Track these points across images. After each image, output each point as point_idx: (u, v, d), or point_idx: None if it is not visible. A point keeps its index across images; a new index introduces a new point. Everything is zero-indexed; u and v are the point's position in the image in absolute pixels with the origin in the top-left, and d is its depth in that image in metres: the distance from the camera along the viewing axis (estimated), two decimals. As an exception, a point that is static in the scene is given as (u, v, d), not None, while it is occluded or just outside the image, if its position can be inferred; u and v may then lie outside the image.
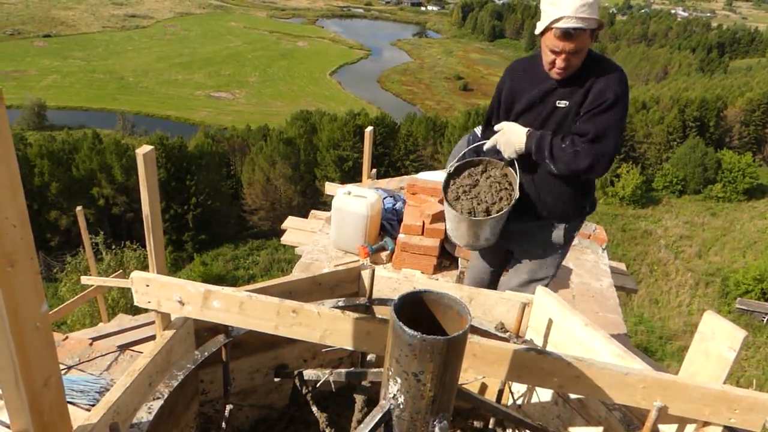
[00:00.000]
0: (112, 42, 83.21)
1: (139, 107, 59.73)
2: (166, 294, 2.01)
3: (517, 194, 2.59)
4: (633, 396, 1.81)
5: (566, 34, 2.28)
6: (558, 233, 2.73)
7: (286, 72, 76.70)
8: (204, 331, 2.28)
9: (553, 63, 2.40)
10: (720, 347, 1.80)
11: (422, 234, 4.19)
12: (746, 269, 30.50)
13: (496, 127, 2.66)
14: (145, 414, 1.87)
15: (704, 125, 48.21)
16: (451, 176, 2.74)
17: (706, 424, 1.85)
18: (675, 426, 1.97)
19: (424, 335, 1.39)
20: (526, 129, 2.54)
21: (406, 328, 1.40)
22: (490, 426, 2.59)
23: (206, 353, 2.11)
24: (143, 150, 1.78)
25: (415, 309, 1.58)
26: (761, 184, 43.30)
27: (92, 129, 43.82)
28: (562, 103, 2.49)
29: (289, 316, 1.94)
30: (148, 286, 2.01)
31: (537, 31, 2.40)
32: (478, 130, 5.48)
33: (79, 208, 6.00)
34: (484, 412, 2.62)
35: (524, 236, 2.81)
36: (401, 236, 4.20)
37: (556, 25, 2.28)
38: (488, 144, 2.67)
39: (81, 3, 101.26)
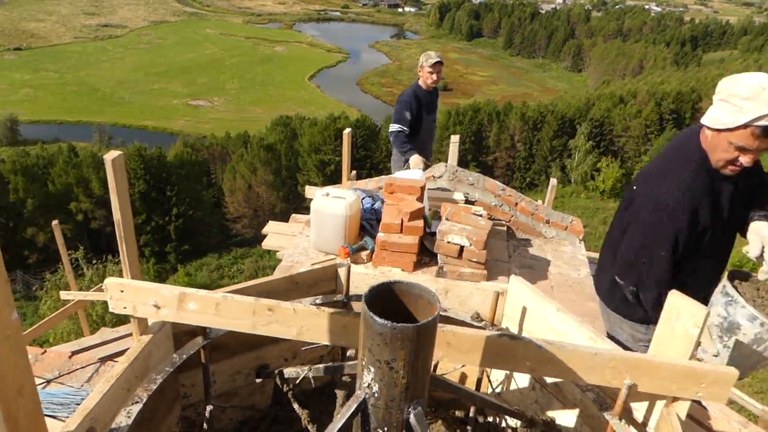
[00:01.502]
0: (85, 53, 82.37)
1: (115, 119, 59.19)
2: (142, 299, 2.02)
3: None
4: (604, 376, 1.85)
5: (766, 133, 2.04)
6: None
7: (265, 78, 76.54)
8: (182, 334, 2.29)
9: (733, 161, 2.16)
10: (685, 325, 1.85)
11: (401, 232, 4.21)
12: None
13: (751, 236, 2.27)
14: (124, 419, 1.87)
15: (680, 117, 48.95)
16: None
17: (674, 399, 1.90)
18: (645, 403, 2.02)
19: (394, 323, 1.42)
20: None
21: (377, 318, 1.43)
22: (471, 414, 2.63)
23: (185, 356, 2.12)
24: (111, 155, 1.79)
25: (388, 301, 1.61)
26: (736, 172, 44.05)
27: (67, 142, 43.37)
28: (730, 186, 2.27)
29: (266, 314, 1.96)
30: (122, 291, 2.01)
31: (721, 125, 2.13)
32: (395, 127, 5.49)
33: (55, 222, 5.92)
34: (464, 401, 2.66)
35: None
36: (380, 235, 4.22)
37: (760, 123, 2.02)
38: (753, 250, 2.25)
39: (52, 14, 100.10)
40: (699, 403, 3.67)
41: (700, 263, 2.36)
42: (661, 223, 2.25)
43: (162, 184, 34.03)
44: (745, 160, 2.12)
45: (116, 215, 1.90)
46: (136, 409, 1.90)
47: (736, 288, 2.19)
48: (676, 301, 1.88)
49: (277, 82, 75.14)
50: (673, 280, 2.30)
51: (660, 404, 1.98)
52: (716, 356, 2.20)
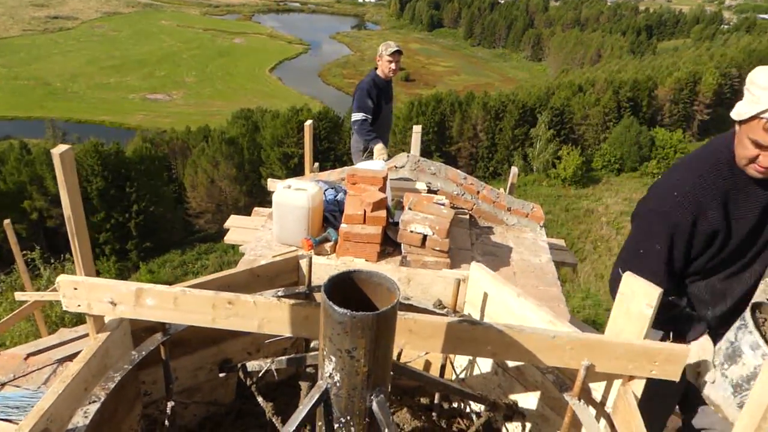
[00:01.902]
0: (35, 46, 79.37)
1: (69, 114, 57.32)
2: (97, 296, 1.97)
3: None
4: (562, 357, 1.90)
5: None
6: None
7: (224, 70, 75.19)
8: (141, 331, 2.25)
9: (754, 159, 1.93)
10: (639, 305, 1.91)
11: (364, 222, 4.21)
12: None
13: None
14: (81, 419, 1.83)
15: (637, 105, 50.20)
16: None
17: (630, 378, 1.96)
18: (603, 383, 2.07)
19: (354, 312, 1.42)
20: None
21: (336, 307, 1.43)
22: (436, 401, 2.66)
23: (143, 352, 2.08)
24: (59, 149, 1.74)
25: (349, 290, 1.60)
26: (692, 158, 45.44)
27: (19, 139, 41.76)
28: None
29: (225, 308, 1.94)
30: (76, 289, 1.96)
31: (738, 116, 1.93)
32: (359, 116, 5.44)
33: (7, 221, 5.71)
34: (428, 387, 2.69)
35: None
36: (343, 226, 4.21)
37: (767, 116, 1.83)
38: None
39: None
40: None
41: (723, 281, 2.12)
42: (663, 213, 2.08)
43: (121, 180, 33.18)
44: (763, 159, 1.90)
45: (66, 211, 1.85)
46: (93, 408, 1.86)
47: (756, 313, 1.96)
48: (630, 283, 1.93)
49: (236, 75, 73.92)
50: (688, 295, 2.13)
51: (617, 383, 2.04)
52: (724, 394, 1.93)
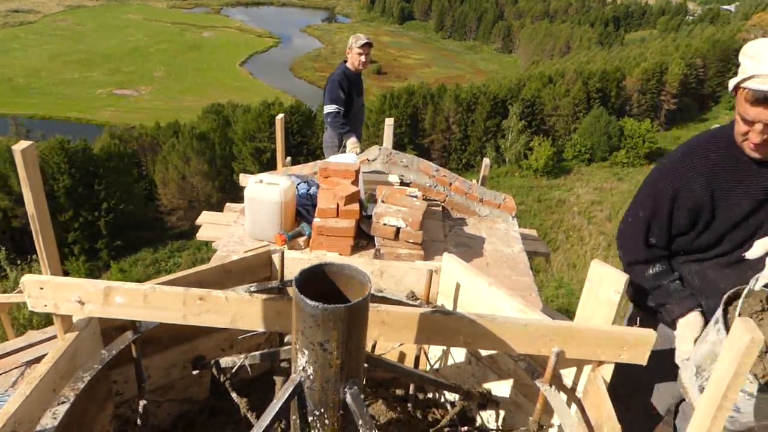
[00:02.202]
0: (-5, 41, 77.08)
1: (33, 110, 55.85)
2: (64, 295, 1.93)
3: None
4: (534, 345, 1.93)
5: (759, 100, 1.70)
6: None
7: (194, 65, 73.99)
8: (111, 329, 2.21)
9: (746, 135, 1.81)
10: (607, 292, 1.94)
11: (337, 216, 4.21)
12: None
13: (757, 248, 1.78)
14: (50, 420, 1.80)
15: (606, 96, 50.97)
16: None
17: (600, 363, 2.00)
18: (574, 369, 2.11)
19: (326, 305, 1.42)
20: None
21: (308, 300, 1.43)
22: (411, 392, 2.68)
23: (114, 351, 2.05)
24: (21, 146, 1.70)
25: (321, 284, 1.60)
26: (660, 147, 46.36)
27: (-19, 137, 40.62)
28: None
29: (196, 304, 1.92)
30: (42, 288, 1.92)
31: (730, 87, 1.82)
32: (332, 108, 5.39)
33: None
34: (403, 379, 2.71)
35: None
36: (317, 220, 4.21)
37: (747, 84, 1.72)
38: (754, 250, 1.79)
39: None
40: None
41: (716, 270, 2.01)
42: (651, 182, 2.04)
43: (89, 178, 32.48)
44: (752, 135, 1.77)
45: (30, 209, 1.80)
46: (62, 409, 1.83)
47: (728, 306, 1.79)
48: (598, 269, 1.96)
49: (206, 69, 72.82)
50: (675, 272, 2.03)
51: (587, 369, 2.08)
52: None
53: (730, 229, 1.91)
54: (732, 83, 1.78)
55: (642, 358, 1.91)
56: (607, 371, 2.02)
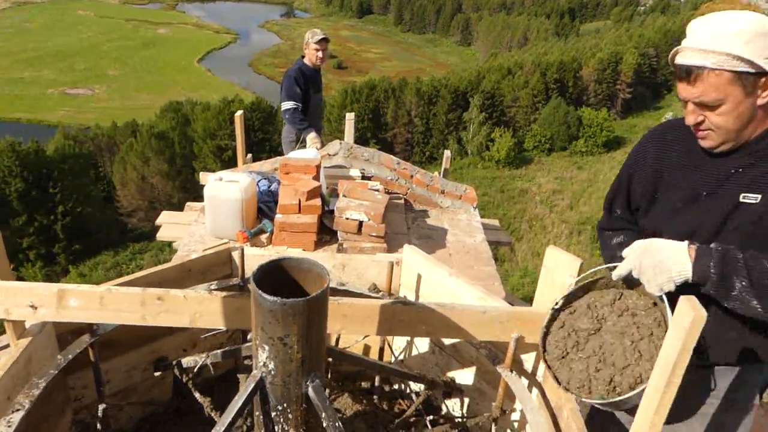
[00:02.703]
0: (-62, 39, 73.80)
1: (-21, 111, 53.80)
2: (15, 300, 1.88)
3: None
4: (493, 332, 1.96)
5: (681, 76, 1.55)
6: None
7: (150, 62, 72.27)
8: (68, 334, 2.16)
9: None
10: (563, 276, 1.99)
11: (299, 212, 4.18)
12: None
13: (632, 246, 1.66)
14: (5, 429, 1.75)
15: (564, 86, 51.92)
16: (555, 312, 1.82)
17: (558, 346, 2.05)
18: (533, 353, 2.16)
19: (284, 299, 1.42)
20: (686, 244, 1.57)
21: (266, 295, 1.42)
22: (377, 384, 2.70)
23: (70, 356, 2.00)
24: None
25: (280, 279, 1.60)
26: (617, 136, 47.53)
27: (-75, 140, 38.83)
28: (751, 198, 1.59)
29: (155, 304, 1.89)
30: (-9, 294, 1.86)
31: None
32: (289, 104, 5.33)
33: None
34: (368, 371, 2.72)
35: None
36: (278, 216, 4.17)
37: (675, 60, 1.57)
38: (620, 270, 1.67)
39: None
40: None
41: None
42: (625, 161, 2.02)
43: (43, 181, 31.43)
44: (686, 117, 1.62)
45: (-25, 213, 1.74)
46: (17, 417, 1.78)
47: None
48: (553, 255, 2.01)
49: (163, 66, 71.20)
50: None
51: (546, 352, 2.13)
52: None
53: (669, 216, 1.78)
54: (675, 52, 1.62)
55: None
56: (565, 354, 2.07)
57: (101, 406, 2.13)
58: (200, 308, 1.90)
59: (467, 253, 4.49)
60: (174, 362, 2.32)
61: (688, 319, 1.30)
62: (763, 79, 1.48)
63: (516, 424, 2.37)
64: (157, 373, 2.44)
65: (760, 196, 1.57)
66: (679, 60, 1.55)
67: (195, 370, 2.23)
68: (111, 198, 36.27)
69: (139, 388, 2.52)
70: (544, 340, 1.79)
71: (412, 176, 4.94)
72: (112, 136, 39.55)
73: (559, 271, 1.99)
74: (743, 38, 1.45)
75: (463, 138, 46.11)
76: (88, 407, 2.35)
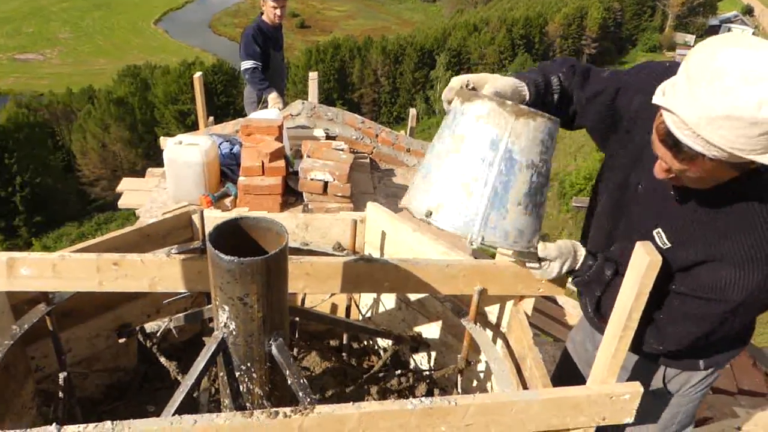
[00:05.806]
0: None
1: None
2: (-37, 271, 1.81)
3: None
4: (457, 285, 1.97)
5: (671, 142, 1.25)
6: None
7: (103, 24, 69.23)
8: (24, 303, 2.10)
9: None
10: (524, 228, 2.01)
11: (263, 174, 4.13)
12: (578, 171, 33.98)
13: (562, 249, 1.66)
14: (-38, 402, 1.71)
15: (530, 42, 51.79)
16: None
17: (521, 298, 2.08)
18: (497, 305, 2.19)
19: (241, 259, 1.39)
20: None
21: (222, 255, 1.40)
22: (345, 342, 2.71)
23: (26, 326, 1.95)
24: None
25: (239, 239, 1.57)
26: (580, 93, 47.83)
27: None
28: (664, 239, 1.49)
29: (111, 269, 1.84)
30: (-63, 266, 1.79)
31: (655, 99, 1.26)
32: (248, 63, 5.15)
33: None
34: (336, 329, 2.74)
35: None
36: (242, 179, 4.12)
37: (664, 116, 1.25)
38: (544, 270, 1.70)
39: None
40: (555, 302, 4.05)
41: (592, 225, 1.81)
42: None
43: (-2, 151, 30.36)
44: (656, 167, 1.38)
45: None
46: (-26, 390, 1.74)
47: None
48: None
49: (118, 29, 68.33)
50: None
51: (509, 305, 2.16)
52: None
53: (605, 208, 1.71)
54: (657, 99, 1.25)
55: (560, 291, 2.00)
56: (528, 305, 2.11)
57: (62, 375, 2.09)
58: (159, 273, 1.86)
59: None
60: (138, 328, 2.29)
61: (644, 263, 1.32)
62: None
63: (482, 375, 2.42)
64: (121, 340, 2.41)
65: (670, 246, 1.46)
66: (671, 126, 1.22)
67: (159, 334, 2.21)
68: (71, 167, 35.23)
69: (104, 356, 2.49)
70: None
71: (377, 135, 4.90)
72: (68, 103, 38.15)
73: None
74: (757, 131, 1.12)
75: (431, 97, 45.83)
76: (51, 377, 2.31)
